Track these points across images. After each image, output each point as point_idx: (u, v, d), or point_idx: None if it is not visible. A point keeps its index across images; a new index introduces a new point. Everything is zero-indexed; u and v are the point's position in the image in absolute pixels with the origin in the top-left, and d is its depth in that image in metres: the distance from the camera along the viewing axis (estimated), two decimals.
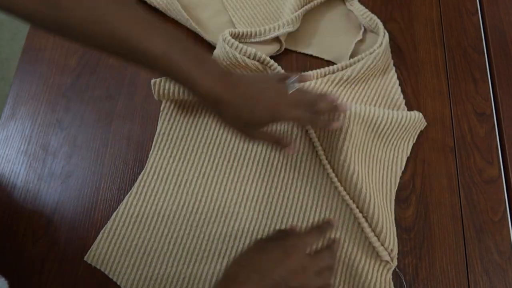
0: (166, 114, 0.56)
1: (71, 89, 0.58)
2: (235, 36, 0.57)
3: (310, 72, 0.57)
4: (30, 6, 0.34)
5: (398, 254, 0.51)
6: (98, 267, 0.49)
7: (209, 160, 0.54)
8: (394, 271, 0.50)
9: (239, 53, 0.54)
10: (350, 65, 0.58)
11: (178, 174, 0.54)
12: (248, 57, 0.55)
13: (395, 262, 0.50)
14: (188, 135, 0.56)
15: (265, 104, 0.43)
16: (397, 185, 0.54)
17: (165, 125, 0.56)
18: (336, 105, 0.47)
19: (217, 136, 0.55)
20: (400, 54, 0.62)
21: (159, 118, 0.56)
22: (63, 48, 0.60)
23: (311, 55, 0.61)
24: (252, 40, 0.58)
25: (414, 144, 0.57)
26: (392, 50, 0.62)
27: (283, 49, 0.60)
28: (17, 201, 0.52)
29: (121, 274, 0.49)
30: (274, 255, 0.40)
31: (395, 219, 0.53)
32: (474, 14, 0.65)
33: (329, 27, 0.63)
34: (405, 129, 0.54)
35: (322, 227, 0.46)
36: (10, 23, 1.37)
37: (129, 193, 0.52)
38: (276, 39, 0.59)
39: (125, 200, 0.52)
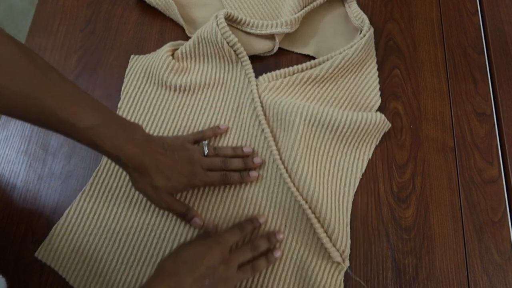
0: (122, 108, 0.57)
1: None
2: (230, 19, 0.57)
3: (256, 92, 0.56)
4: None
5: (398, 254, 0.51)
6: (48, 263, 0.49)
7: None
8: (346, 272, 0.50)
9: (222, 35, 0.55)
10: (319, 64, 0.57)
11: None
12: (228, 43, 0.55)
13: (347, 263, 0.50)
14: None
15: (181, 172, 0.47)
16: (356, 187, 0.54)
17: None
18: (247, 159, 0.53)
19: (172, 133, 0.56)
20: (400, 54, 0.62)
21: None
22: (63, 48, 0.60)
23: (312, 56, 0.61)
24: (247, 29, 0.58)
25: (414, 144, 0.57)
26: (392, 50, 0.62)
27: (276, 49, 0.60)
28: (17, 201, 0.52)
29: (71, 270, 0.49)
30: (198, 249, 0.44)
31: (395, 219, 0.53)
32: (474, 14, 0.65)
33: (328, 28, 0.63)
34: (366, 131, 0.54)
35: (243, 224, 0.49)
36: (10, 23, 1.37)
37: (82, 189, 0.52)
38: (271, 38, 0.59)
39: (78, 197, 0.52)
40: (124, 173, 0.53)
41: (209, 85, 0.57)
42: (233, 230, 0.48)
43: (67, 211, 0.51)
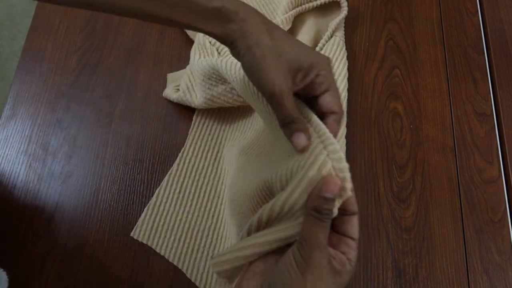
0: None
1: (71, 89, 0.58)
2: None
3: None
4: None
5: (398, 254, 0.51)
6: (144, 242, 0.51)
7: (243, 135, 0.55)
8: None
9: (204, 35, 0.56)
10: None
11: (218, 151, 0.55)
12: (210, 42, 0.57)
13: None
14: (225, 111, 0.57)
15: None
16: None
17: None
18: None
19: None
20: (400, 54, 0.62)
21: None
22: (63, 48, 0.60)
23: None
24: None
25: (414, 144, 0.57)
26: (392, 50, 0.62)
27: None
28: (17, 201, 0.52)
29: (168, 248, 0.50)
30: None
31: (395, 219, 0.53)
32: (474, 14, 0.65)
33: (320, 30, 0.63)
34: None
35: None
36: (10, 23, 1.37)
37: (169, 170, 0.54)
38: None
39: (166, 177, 0.54)
40: (210, 151, 0.55)
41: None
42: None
43: (157, 191, 0.53)
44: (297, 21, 0.62)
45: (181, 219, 0.52)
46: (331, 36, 0.59)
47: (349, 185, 0.30)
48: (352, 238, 0.31)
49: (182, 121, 0.58)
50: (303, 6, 0.61)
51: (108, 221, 0.52)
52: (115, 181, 0.54)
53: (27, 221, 0.51)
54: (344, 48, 0.60)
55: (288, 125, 0.33)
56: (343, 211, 0.31)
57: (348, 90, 0.60)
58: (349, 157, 0.56)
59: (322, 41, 0.58)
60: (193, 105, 0.56)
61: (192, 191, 0.53)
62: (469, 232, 0.53)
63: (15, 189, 0.53)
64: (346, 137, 0.57)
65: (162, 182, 0.53)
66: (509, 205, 0.55)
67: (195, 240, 0.51)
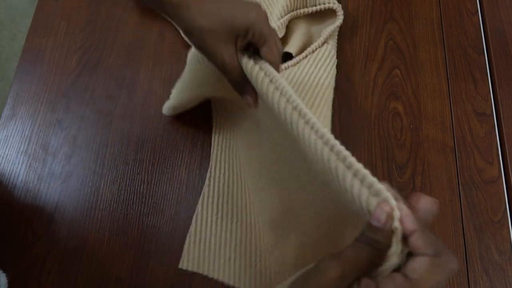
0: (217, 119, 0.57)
1: (71, 89, 0.58)
2: None
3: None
4: None
5: None
6: (195, 270, 0.49)
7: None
8: None
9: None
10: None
11: (241, 165, 0.54)
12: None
13: None
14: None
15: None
16: None
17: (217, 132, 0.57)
18: None
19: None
20: (400, 54, 0.62)
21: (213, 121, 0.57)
22: (63, 48, 0.60)
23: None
24: None
25: (414, 144, 0.57)
26: (392, 50, 0.62)
27: None
28: (17, 201, 0.52)
29: (221, 270, 0.49)
30: None
31: None
32: (474, 14, 0.65)
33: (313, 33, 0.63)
34: None
35: None
36: (10, 23, 1.37)
37: (201, 194, 0.53)
38: None
39: (200, 202, 0.53)
40: (235, 166, 0.54)
41: None
42: None
43: (194, 218, 0.52)
44: (291, 25, 0.61)
45: (225, 240, 0.51)
46: (324, 43, 0.59)
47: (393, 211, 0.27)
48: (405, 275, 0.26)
49: (182, 121, 0.58)
50: (298, 11, 0.60)
51: (108, 221, 0.52)
52: (115, 181, 0.54)
53: (27, 221, 0.51)
54: (335, 57, 0.59)
55: (238, 89, 0.43)
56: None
57: (348, 90, 0.60)
58: None
59: (313, 46, 0.58)
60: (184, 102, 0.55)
61: (229, 208, 0.52)
62: (469, 232, 0.53)
63: (15, 189, 0.53)
64: (346, 137, 0.57)
65: (197, 207, 0.52)
66: (509, 205, 0.55)
67: (245, 255, 0.50)
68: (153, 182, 0.54)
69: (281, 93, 0.37)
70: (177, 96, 0.54)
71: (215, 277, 0.49)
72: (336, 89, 0.59)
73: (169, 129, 0.57)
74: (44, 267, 0.50)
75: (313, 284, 0.29)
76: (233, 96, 0.45)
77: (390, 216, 0.27)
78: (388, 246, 0.27)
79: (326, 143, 0.32)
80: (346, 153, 0.31)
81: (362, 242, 0.28)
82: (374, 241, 0.27)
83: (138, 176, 0.54)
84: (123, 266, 0.50)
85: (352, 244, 0.29)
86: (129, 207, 0.53)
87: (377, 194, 0.28)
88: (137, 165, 0.55)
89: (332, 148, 0.32)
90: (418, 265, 0.26)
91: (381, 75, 0.61)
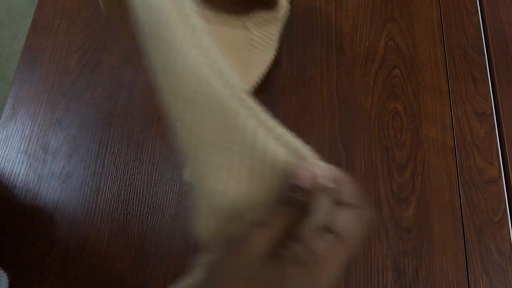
0: None
1: (71, 89, 0.58)
2: None
3: None
4: None
5: (398, 254, 0.51)
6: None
7: None
8: None
9: None
10: None
11: None
12: None
13: None
14: None
15: None
16: None
17: None
18: None
19: None
20: (400, 54, 0.62)
21: None
22: (63, 48, 0.60)
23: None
24: None
25: (414, 144, 0.57)
26: (392, 50, 0.62)
27: None
28: (17, 201, 0.52)
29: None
30: None
31: (395, 219, 0.53)
32: (474, 14, 0.65)
33: None
34: None
35: None
36: (10, 23, 1.37)
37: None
38: None
39: None
40: None
41: None
42: None
43: None
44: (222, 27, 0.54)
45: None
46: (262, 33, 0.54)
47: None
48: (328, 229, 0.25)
49: None
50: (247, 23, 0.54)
51: (108, 221, 0.52)
52: (115, 181, 0.54)
53: (27, 221, 0.51)
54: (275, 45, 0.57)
55: None
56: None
57: (348, 90, 0.60)
58: (349, 157, 0.56)
59: (253, 36, 0.54)
60: None
61: None
62: (469, 232, 0.53)
63: (15, 189, 0.53)
64: (346, 137, 0.57)
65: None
66: (509, 205, 0.55)
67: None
68: (153, 182, 0.54)
69: None
70: None
71: None
72: (336, 89, 0.59)
73: (169, 129, 0.57)
74: (45, 266, 0.50)
75: (239, 260, 0.25)
76: None
77: (314, 175, 0.25)
78: (312, 203, 0.25)
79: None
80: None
81: (281, 203, 0.26)
82: (296, 200, 0.26)
83: (138, 176, 0.54)
84: (123, 266, 0.50)
85: (270, 206, 0.27)
86: (129, 207, 0.53)
87: (291, 149, 0.26)
88: (137, 165, 0.55)
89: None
90: (347, 218, 0.25)
91: (381, 75, 0.61)
